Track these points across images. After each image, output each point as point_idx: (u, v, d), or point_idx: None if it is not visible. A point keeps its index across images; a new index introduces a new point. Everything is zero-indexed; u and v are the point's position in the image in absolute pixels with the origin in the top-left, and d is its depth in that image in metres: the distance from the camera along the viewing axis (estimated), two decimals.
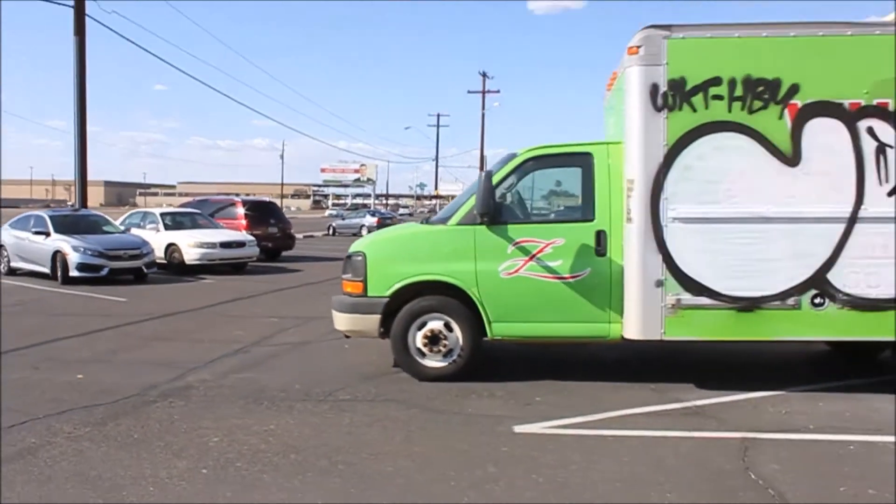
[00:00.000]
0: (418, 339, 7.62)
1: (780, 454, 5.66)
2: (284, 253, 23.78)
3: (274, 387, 7.57)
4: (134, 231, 18.77)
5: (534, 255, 7.41)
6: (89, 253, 15.82)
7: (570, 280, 7.38)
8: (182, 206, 24.25)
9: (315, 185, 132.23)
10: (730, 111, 6.98)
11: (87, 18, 20.91)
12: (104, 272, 15.88)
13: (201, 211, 21.27)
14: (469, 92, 61.95)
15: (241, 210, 21.91)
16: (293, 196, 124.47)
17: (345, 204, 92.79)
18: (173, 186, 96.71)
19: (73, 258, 15.72)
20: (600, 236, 7.36)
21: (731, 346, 8.56)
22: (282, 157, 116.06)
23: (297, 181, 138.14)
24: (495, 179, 7.61)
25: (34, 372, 8.12)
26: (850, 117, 6.94)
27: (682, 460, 5.54)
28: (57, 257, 16.03)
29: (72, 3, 20.56)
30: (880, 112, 6.94)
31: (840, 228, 7.00)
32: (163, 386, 7.58)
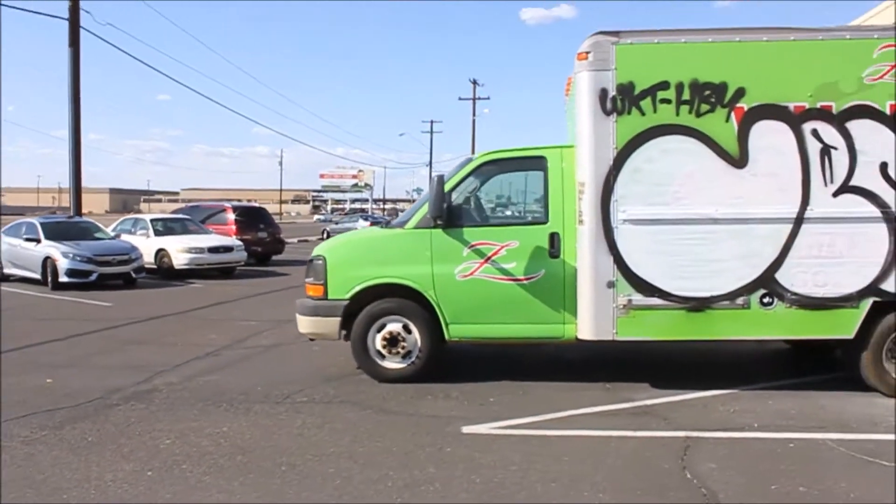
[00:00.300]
0: (377, 341, 7.64)
1: (720, 453, 5.67)
2: (275, 257, 23.83)
3: (236, 389, 7.58)
4: (125, 237, 18.85)
5: (489, 258, 7.42)
6: (78, 259, 15.89)
7: (525, 282, 7.39)
8: (174, 212, 24.31)
9: (314, 191, 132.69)
10: (677, 115, 6.98)
11: (81, 30, 20.87)
12: (93, 277, 15.94)
13: (193, 217, 21.35)
14: (460, 99, 62.23)
15: (231, 216, 22.00)
16: (293, 201, 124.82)
17: (343, 209, 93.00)
18: (177, 193, 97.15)
19: (63, 264, 15.79)
20: (554, 238, 7.37)
21: (690, 345, 8.56)
22: (280, 164, 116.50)
23: (298, 187, 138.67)
24: (451, 183, 7.63)
25: (5, 377, 8.13)
26: (795, 120, 6.95)
27: (622, 460, 5.55)
28: (47, 263, 16.11)
29: (66, 15, 20.57)
30: (824, 115, 6.95)
31: (787, 229, 7.00)
32: (128, 389, 7.60)
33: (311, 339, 8.22)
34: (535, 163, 7.59)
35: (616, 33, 7.06)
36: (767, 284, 7.04)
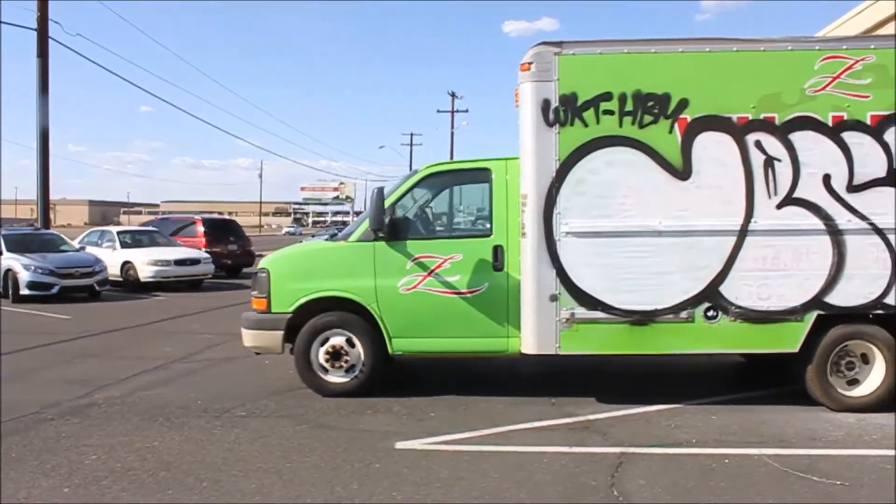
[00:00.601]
0: (321, 354, 7.59)
1: (653, 469, 5.62)
2: (245, 269, 23.72)
3: (177, 403, 7.50)
4: (90, 249, 18.71)
5: (432, 271, 7.38)
6: (39, 271, 15.76)
7: (468, 295, 7.35)
8: (144, 224, 24.22)
9: (296, 203, 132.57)
10: (620, 126, 6.97)
11: (52, 42, 20.82)
12: (55, 290, 15.82)
13: (162, 229, 21.27)
14: (438, 111, 62.34)
15: (200, 228, 21.93)
16: (275, 214, 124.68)
17: (325, 221, 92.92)
18: (157, 205, 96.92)
19: (24, 277, 15.67)
20: (497, 251, 7.33)
21: (642, 359, 8.50)
22: (260, 176, 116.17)
23: (280, 199, 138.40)
24: (395, 196, 7.60)
25: None
26: (738, 131, 6.95)
27: (551, 476, 5.49)
28: (8, 276, 15.96)
29: (35, 26, 20.50)
30: (767, 126, 6.95)
31: (731, 241, 6.98)
32: (66, 403, 7.51)
33: (258, 353, 8.12)
34: (479, 175, 7.56)
35: (559, 44, 7.06)
36: (712, 297, 7.01)
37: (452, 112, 57.78)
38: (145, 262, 18.16)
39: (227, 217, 27.13)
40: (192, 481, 5.39)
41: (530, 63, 7.05)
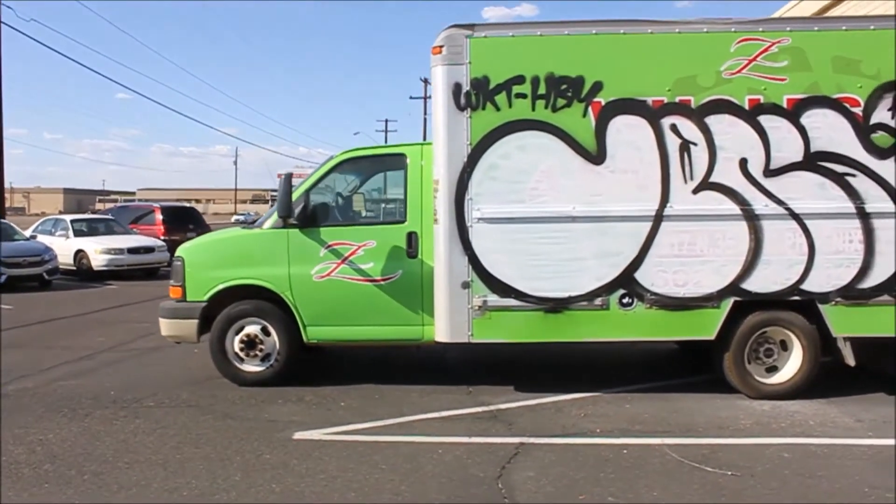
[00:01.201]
0: (235, 343, 7.54)
1: (547, 460, 5.60)
2: None
3: (88, 394, 7.47)
4: (43, 238, 18.59)
5: (346, 258, 7.33)
6: None
7: (382, 283, 7.30)
8: (101, 212, 24.11)
9: (272, 190, 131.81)
10: (533, 110, 6.90)
11: (4, 27, 20.56)
12: (1, 280, 15.68)
13: (121, 218, 21.17)
14: (411, 97, 61.82)
15: (159, 216, 21.82)
16: (252, 201, 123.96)
17: None
18: (133, 193, 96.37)
19: None
20: (411, 238, 7.28)
21: (571, 346, 8.47)
22: (235, 163, 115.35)
23: (259, 186, 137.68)
24: (310, 182, 7.54)
25: None
26: (653, 115, 6.89)
27: (441, 467, 5.47)
28: None
29: None
30: (683, 109, 6.89)
31: (647, 227, 6.94)
32: None
33: (178, 343, 8.06)
34: (395, 160, 7.51)
35: (470, 26, 6.98)
36: (627, 284, 6.98)
37: (425, 98, 57.30)
38: (98, 251, 18.05)
39: (186, 205, 26.99)
40: (73, 474, 5.35)
41: (442, 46, 6.97)
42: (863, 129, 6.90)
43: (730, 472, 5.32)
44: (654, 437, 6.09)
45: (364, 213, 8.05)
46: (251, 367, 7.58)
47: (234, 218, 69.58)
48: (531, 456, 5.68)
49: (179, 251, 7.72)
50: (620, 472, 5.37)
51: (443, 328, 7.09)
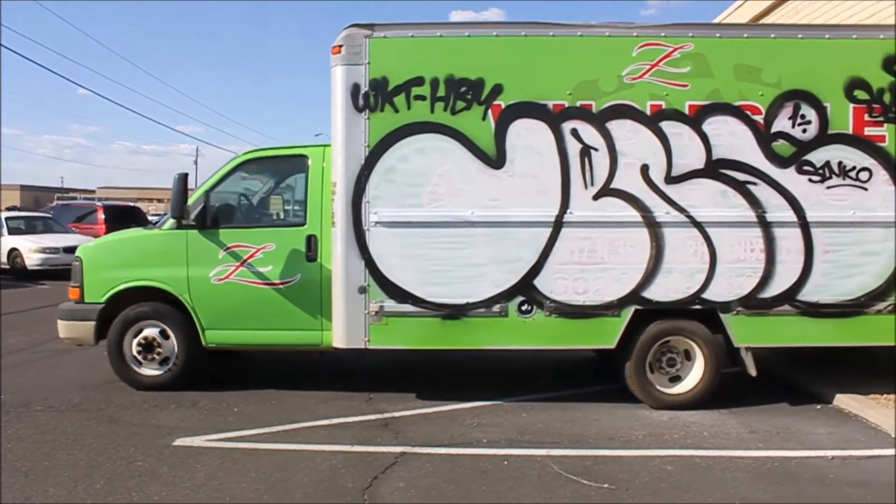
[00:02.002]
0: (133, 346, 7.47)
1: (422, 471, 5.60)
2: None
3: None
4: None
5: (244, 261, 7.29)
6: None
7: (281, 286, 7.27)
8: (43, 210, 23.93)
9: None
10: (432, 112, 6.89)
11: None
12: None
13: (62, 217, 21.00)
14: None
15: (101, 215, 21.68)
16: None
17: None
18: (93, 191, 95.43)
19: None
20: (311, 241, 7.25)
21: (488, 353, 8.40)
22: (196, 163, 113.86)
23: None
24: (211, 182, 7.50)
25: None
26: (554, 119, 6.89)
27: (312, 476, 5.45)
28: None
29: None
30: (584, 114, 6.90)
31: (546, 233, 6.94)
32: None
33: (79, 345, 7.99)
34: (296, 162, 7.48)
35: (370, 26, 6.95)
36: (526, 291, 6.97)
37: None
38: (32, 250, 17.89)
39: (130, 204, 26.86)
40: None
41: (341, 46, 6.95)
42: (764, 138, 6.94)
43: (605, 485, 5.33)
44: (541, 448, 6.09)
45: (265, 215, 8.00)
46: (149, 370, 7.53)
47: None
48: (408, 466, 5.66)
49: (79, 251, 7.66)
50: (493, 484, 5.36)
51: (339, 333, 7.06)
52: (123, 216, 22.75)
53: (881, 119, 7.01)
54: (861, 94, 7.00)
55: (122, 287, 7.43)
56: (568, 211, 6.94)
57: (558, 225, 6.94)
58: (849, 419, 6.99)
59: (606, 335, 7.04)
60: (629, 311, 7.01)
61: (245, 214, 7.77)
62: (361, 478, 5.43)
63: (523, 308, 6.99)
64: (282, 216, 7.91)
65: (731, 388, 7.56)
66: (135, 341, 7.50)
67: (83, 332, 7.52)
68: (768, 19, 11.71)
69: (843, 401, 7.30)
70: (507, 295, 6.97)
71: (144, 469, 5.55)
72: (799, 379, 8.12)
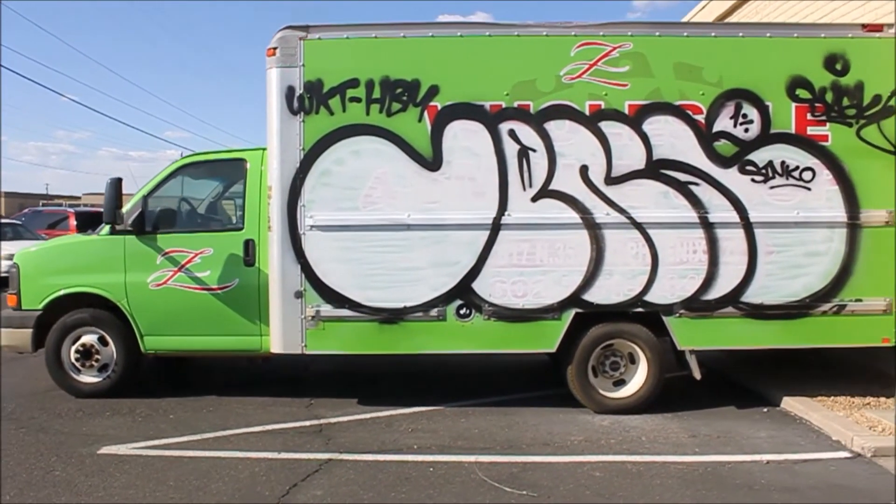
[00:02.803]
0: (71, 353, 7.41)
1: (345, 478, 5.57)
2: None
3: None
4: None
5: (182, 266, 7.26)
6: None
7: (219, 291, 7.23)
8: (14, 216, 23.89)
9: None
10: (368, 114, 6.85)
11: None
12: None
13: (33, 223, 20.95)
14: None
15: (73, 221, 21.64)
16: None
17: None
18: (78, 197, 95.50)
19: None
20: (249, 245, 7.21)
21: (440, 357, 8.36)
22: None
23: None
24: (149, 186, 7.48)
25: None
26: (491, 120, 6.84)
27: (231, 485, 5.42)
28: None
29: None
30: (522, 114, 6.85)
31: (484, 236, 6.89)
32: None
33: (20, 353, 7.94)
34: (235, 166, 7.44)
35: (305, 27, 6.92)
36: (464, 295, 6.92)
37: None
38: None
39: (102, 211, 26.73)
40: None
41: (275, 48, 6.92)
42: (705, 137, 6.88)
43: (526, 493, 5.28)
44: (471, 454, 6.04)
45: (203, 220, 7.95)
46: (88, 378, 7.51)
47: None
48: (331, 473, 5.62)
49: (16, 257, 7.63)
50: (414, 491, 5.32)
51: (276, 339, 7.02)
52: (96, 222, 22.63)
53: (823, 118, 6.93)
54: (803, 93, 6.92)
55: (60, 293, 7.40)
56: (506, 213, 6.88)
57: (496, 227, 6.88)
58: (794, 422, 6.92)
59: (547, 339, 6.98)
60: (570, 315, 6.95)
61: (183, 219, 7.72)
62: (280, 486, 5.38)
63: (462, 312, 6.93)
64: (220, 221, 7.84)
65: (683, 391, 7.55)
66: (73, 348, 7.45)
67: (20, 339, 7.49)
68: (733, 18, 11.64)
69: (789, 403, 7.22)
70: (445, 299, 6.92)
71: (61, 478, 5.50)
72: (751, 381, 8.02)
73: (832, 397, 7.33)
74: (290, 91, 6.88)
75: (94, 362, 7.48)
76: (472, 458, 5.92)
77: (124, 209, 7.38)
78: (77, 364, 7.50)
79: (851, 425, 6.47)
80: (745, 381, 8.16)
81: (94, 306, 7.49)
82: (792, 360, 8.19)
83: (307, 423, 6.86)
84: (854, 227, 6.98)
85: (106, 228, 7.48)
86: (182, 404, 7.40)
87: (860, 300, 7.01)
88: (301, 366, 8.94)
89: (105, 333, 7.46)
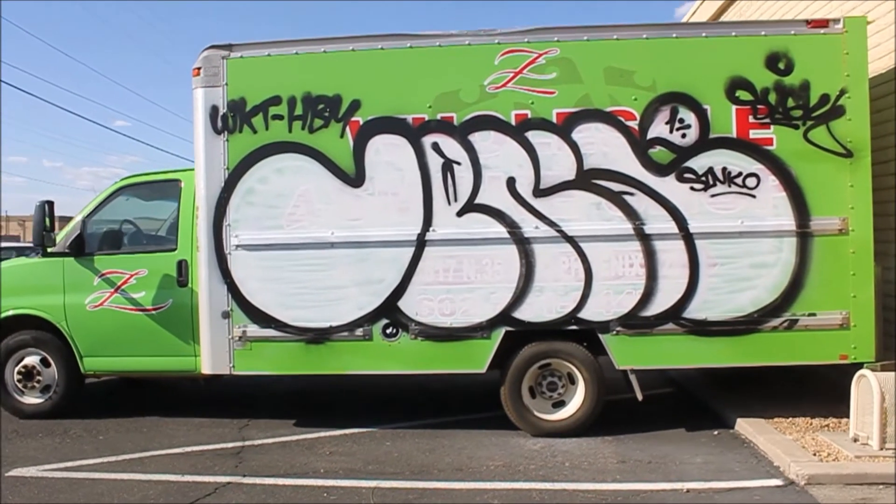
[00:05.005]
0: (14, 375, 7.56)
1: (236, 502, 5.44)
2: None
3: None
4: None
5: (119, 287, 7.36)
6: None
7: (153, 312, 7.30)
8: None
9: None
10: (290, 131, 6.84)
11: None
12: None
13: None
14: None
15: None
16: None
17: None
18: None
19: None
20: (182, 266, 7.27)
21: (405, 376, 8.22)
22: None
23: None
24: (88, 208, 7.65)
25: None
26: (413, 133, 6.74)
27: None
28: None
29: None
30: (445, 127, 6.73)
31: (409, 252, 6.78)
32: None
33: None
34: (170, 186, 7.54)
35: (228, 46, 6.96)
36: (390, 314, 6.80)
37: None
38: None
39: None
40: None
41: (199, 68, 6.96)
42: (639, 145, 6.62)
43: None
44: (374, 479, 5.92)
45: (138, 241, 8.04)
46: (31, 399, 7.68)
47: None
48: (223, 497, 5.60)
49: None
50: None
51: (206, 359, 7.06)
52: None
53: (767, 121, 6.57)
54: (744, 95, 6.60)
55: (2, 315, 7.52)
56: (431, 228, 6.73)
57: (421, 244, 6.75)
58: (739, 446, 6.57)
59: (476, 359, 6.79)
60: (500, 333, 6.74)
61: (119, 240, 7.84)
62: None
63: (388, 331, 6.80)
64: (155, 241, 7.90)
65: (634, 411, 7.30)
66: (16, 370, 7.57)
67: None
68: (726, 16, 11.19)
69: (741, 425, 6.85)
70: (370, 318, 6.80)
71: None
72: (712, 400, 7.64)
73: (791, 418, 6.91)
74: (213, 110, 6.91)
75: (35, 383, 7.63)
76: (371, 484, 5.78)
77: (63, 232, 7.46)
78: (20, 385, 7.62)
79: (795, 450, 6.06)
80: (709, 401, 7.73)
81: (37, 328, 7.59)
82: (759, 378, 7.75)
83: (230, 444, 6.83)
84: (805, 235, 6.57)
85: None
86: (120, 425, 7.48)
87: (814, 314, 6.59)
88: (262, 385, 8.94)
89: (47, 355, 7.59)
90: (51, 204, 7.42)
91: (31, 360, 7.66)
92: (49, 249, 7.49)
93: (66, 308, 7.50)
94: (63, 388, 7.63)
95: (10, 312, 7.66)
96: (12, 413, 7.81)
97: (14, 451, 6.79)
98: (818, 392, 7.59)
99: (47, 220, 7.33)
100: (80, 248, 7.52)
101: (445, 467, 6.20)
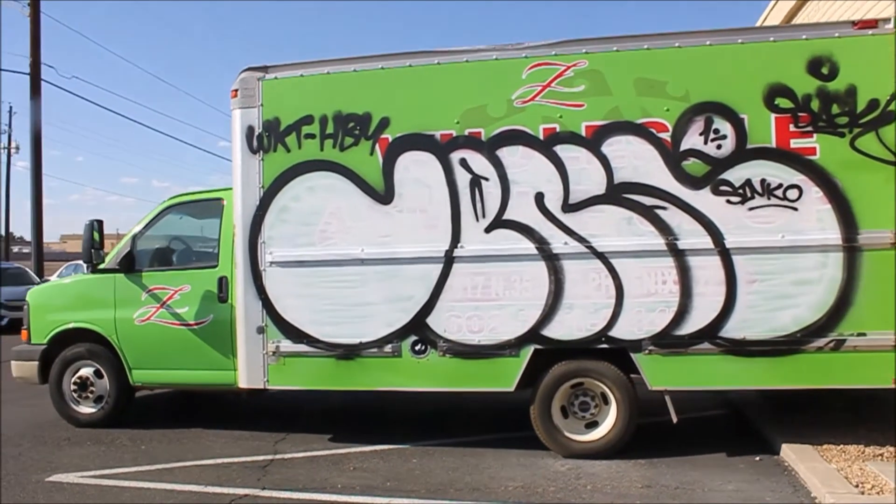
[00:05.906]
0: (70, 385, 7.96)
1: None
2: None
3: None
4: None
5: (164, 302, 7.65)
6: None
7: (195, 327, 7.56)
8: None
9: None
10: (322, 150, 6.99)
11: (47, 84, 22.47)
12: (3, 322, 17.60)
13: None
14: None
15: None
16: None
17: None
18: None
19: None
20: (222, 282, 7.51)
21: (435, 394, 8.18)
22: None
23: None
24: (138, 227, 8.00)
25: None
26: (442, 150, 6.77)
27: None
28: None
29: (27, 70, 22.22)
30: (473, 142, 6.72)
31: (437, 269, 6.79)
32: None
33: (32, 384, 8.60)
34: (213, 205, 7.81)
35: (264, 68, 7.17)
36: (419, 331, 6.82)
37: None
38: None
39: None
40: None
41: (237, 90, 7.20)
42: (672, 157, 6.43)
43: None
44: (389, 496, 5.95)
45: (183, 258, 8.32)
46: (85, 408, 8.04)
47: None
48: None
49: (28, 295, 8.32)
50: None
51: (242, 373, 7.24)
52: None
53: (809, 129, 6.27)
54: (784, 103, 6.32)
55: (60, 329, 7.95)
56: (459, 245, 6.72)
57: (449, 260, 6.73)
58: (778, 473, 6.26)
59: (505, 377, 6.71)
60: (528, 351, 6.64)
61: (166, 258, 8.15)
62: None
63: (417, 348, 6.80)
64: (198, 258, 8.16)
65: (674, 434, 7.07)
66: (72, 380, 7.95)
67: (29, 371, 8.15)
68: (799, 17, 10.71)
69: (786, 451, 6.50)
70: (399, 334, 6.83)
71: None
72: (763, 424, 7.29)
73: (842, 445, 6.51)
74: (249, 131, 7.11)
75: (89, 394, 7.98)
76: (384, 501, 5.82)
77: (115, 249, 7.82)
78: (75, 395, 7.99)
79: (835, 480, 5.71)
80: (759, 424, 7.38)
81: (94, 341, 7.95)
82: (817, 401, 7.34)
83: (261, 457, 6.97)
84: (852, 250, 6.20)
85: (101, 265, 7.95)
86: (164, 435, 7.74)
87: (863, 334, 6.20)
88: (306, 399, 9.07)
89: (100, 367, 7.92)
90: (100, 223, 7.80)
91: (86, 371, 8.04)
92: (99, 266, 7.80)
93: (116, 322, 7.84)
94: (114, 399, 7.97)
95: (71, 325, 8.05)
96: (68, 421, 8.20)
97: (60, 458, 7.12)
98: (879, 418, 7.12)
99: (96, 236, 7.66)
100: (130, 265, 7.84)
101: (463, 487, 6.12)
